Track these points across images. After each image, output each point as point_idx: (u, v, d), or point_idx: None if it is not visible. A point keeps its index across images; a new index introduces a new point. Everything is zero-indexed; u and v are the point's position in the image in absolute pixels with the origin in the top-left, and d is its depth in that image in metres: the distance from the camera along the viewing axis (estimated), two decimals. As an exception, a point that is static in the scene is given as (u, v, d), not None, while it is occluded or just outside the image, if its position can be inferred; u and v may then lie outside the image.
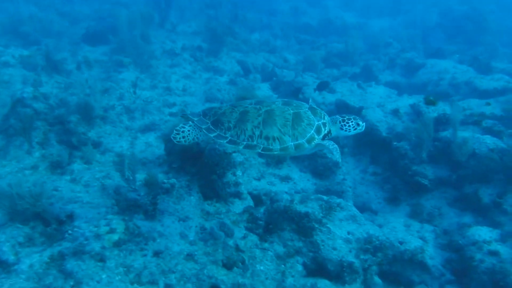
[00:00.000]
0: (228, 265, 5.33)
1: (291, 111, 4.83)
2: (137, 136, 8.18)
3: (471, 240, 6.29)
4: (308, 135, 4.80)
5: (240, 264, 5.36)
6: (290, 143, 4.73)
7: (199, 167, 6.30)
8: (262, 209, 6.42)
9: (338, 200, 6.83)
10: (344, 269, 5.84)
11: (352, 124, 5.19)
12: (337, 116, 5.27)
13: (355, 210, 6.78)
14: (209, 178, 6.18)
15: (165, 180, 6.00)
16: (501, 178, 7.07)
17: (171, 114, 9.00)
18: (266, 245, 5.91)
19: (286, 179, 7.99)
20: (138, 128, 8.55)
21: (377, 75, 14.70)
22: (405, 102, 9.41)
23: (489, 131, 7.93)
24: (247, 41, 16.15)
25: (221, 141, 4.72)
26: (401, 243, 6.47)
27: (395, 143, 8.07)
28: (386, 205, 7.69)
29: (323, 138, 5.06)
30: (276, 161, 8.27)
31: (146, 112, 9.00)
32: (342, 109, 9.26)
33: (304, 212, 6.11)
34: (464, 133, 7.81)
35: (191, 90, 10.83)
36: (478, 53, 15.80)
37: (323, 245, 5.97)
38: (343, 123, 5.18)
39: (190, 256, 5.22)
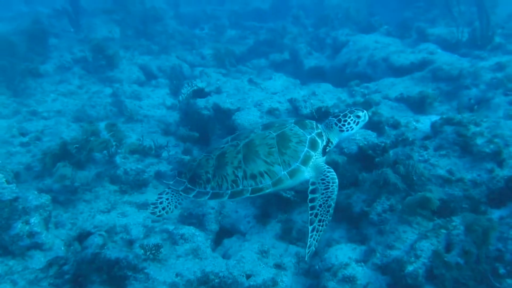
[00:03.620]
0: None
1: (274, 134, 4.27)
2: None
3: (327, 264, 5.45)
4: (302, 154, 4.23)
5: None
6: (283, 173, 4.17)
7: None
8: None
9: (183, 231, 6.07)
10: (161, 325, 5.03)
11: (352, 119, 4.55)
12: (331, 118, 4.62)
13: (200, 241, 6.02)
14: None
15: None
16: (376, 180, 6.18)
17: (22, 144, 8.16)
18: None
19: (145, 205, 7.16)
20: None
21: (302, 60, 13.79)
22: (295, 96, 8.51)
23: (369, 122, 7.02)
24: (159, 42, 15.27)
25: (203, 199, 4.26)
26: (248, 276, 5.64)
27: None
28: (256, 223, 6.84)
29: (324, 152, 4.47)
30: (136, 184, 7.45)
31: (-13, 146, 8.16)
32: (218, 113, 8.42)
33: (114, 259, 5.28)
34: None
35: (67, 109, 9.97)
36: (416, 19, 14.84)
37: (137, 297, 5.16)
38: (340, 124, 4.53)
39: None
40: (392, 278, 4.97)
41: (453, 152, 5.93)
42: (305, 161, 4.22)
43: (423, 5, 18.39)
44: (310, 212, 4.17)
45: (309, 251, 4.08)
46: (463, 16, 15.41)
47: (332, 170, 4.27)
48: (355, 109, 4.59)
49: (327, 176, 4.26)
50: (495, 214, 5.38)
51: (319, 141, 4.36)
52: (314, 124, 4.45)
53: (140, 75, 12.47)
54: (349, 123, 4.54)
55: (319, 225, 4.12)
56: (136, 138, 8.33)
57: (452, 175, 5.65)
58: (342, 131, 4.54)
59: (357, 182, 6.35)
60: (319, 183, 4.23)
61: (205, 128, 8.65)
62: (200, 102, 8.93)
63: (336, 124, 4.53)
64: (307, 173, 4.26)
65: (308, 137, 4.30)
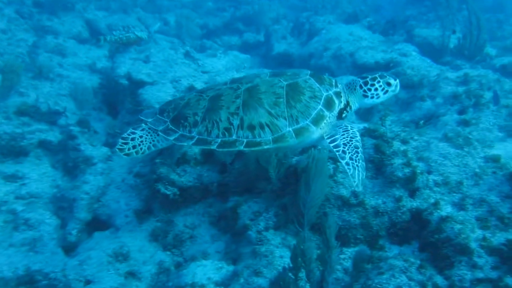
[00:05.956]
0: None
1: (284, 83, 3.87)
2: None
3: (180, 282, 4.76)
4: (314, 112, 3.82)
5: None
6: (287, 129, 3.75)
7: None
8: None
9: (30, 215, 5.43)
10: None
11: (381, 86, 4.09)
12: (356, 79, 4.16)
13: (46, 231, 5.45)
14: None
15: None
16: (275, 188, 5.46)
17: None
18: None
19: (13, 177, 6.43)
20: None
21: (273, 43, 12.97)
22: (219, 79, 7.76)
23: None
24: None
25: (186, 143, 3.83)
26: (87, 282, 4.93)
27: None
28: (134, 219, 6.12)
29: (340, 116, 4.09)
30: (11, 151, 6.70)
31: None
32: (132, 84, 7.68)
33: None
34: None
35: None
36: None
37: None
38: (366, 87, 4.11)
39: None
40: (245, 313, 4.25)
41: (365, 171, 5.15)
42: (316, 121, 3.80)
43: (430, 4, 17.52)
44: (335, 150, 3.75)
45: (354, 180, 3.66)
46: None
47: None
48: (387, 75, 4.17)
49: (343, 123, 3.96)
50: (394, 251, 4.68)
51: (336, 101, 3.95)
52: (334, 81, 4.06)
53: (83, 30, 11.66)
54: (376, 89, 4.10)
55: (351, 160, 3.66)
56: (35, 99, 7.55)
57: (355, 198, 4.89)
58: (366, 96, 4.13)
59: (252, 188, 5.62)
60: (335, 130, 3.89)
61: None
62: (121, 69, 8.15)
63: (361, 87, 4.11)
64: (316, 135, 3.88)
65: (325, 94, 3.89)
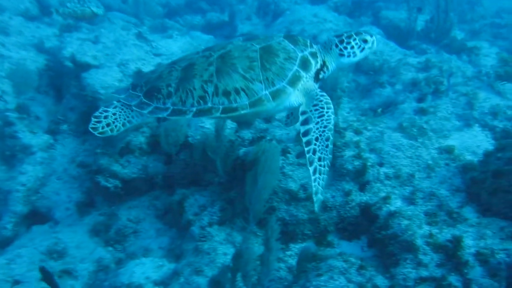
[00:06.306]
0: None
1: (257, 46, 3.80)
2: None
3: (116, 282, 4.55)
4: (290, 73, 3.74)
5: None
6: (264, 92, 3.68)
7: None
8: None
9: None
10: None
11: (357, 43, 4.02)
12: (332, 37, 4.11)
13: None
14: None
15: None
16: (222, 181, 5.27)
17: None
18: None
19: None
20: None
21: (237, 24, 12.66)
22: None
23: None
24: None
25: (161, 115, 3.78)
26: (16, 283, 4.69)
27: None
28: (75, 212, 5.85)
29: (317, 77, 3.94)
30: None
31: None
32: (77, 67, 7.30)
33: None
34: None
35: None
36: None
37: None
38: (342, 46, 4.01)
39: None
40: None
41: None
42: (293, 82, 3.72)
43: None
44: (306, 149, 3.60)
45: (317, 199, 3.45)
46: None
47: (325, 93, 3.78)
48: (363, 32, 4.07)
49: (321, 101, 3.74)
50: (343, 247, 4.58)
51: (313, 61, 3.86)
52: (308, 41, 3.96)
53: (31, 7, 11.02)
54: (352, 47, 4.02)
55: (320, 165, 3.54)
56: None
57: (304, 192, 4.74)
58: (343, 55, 4.03)
59: (198, 180, 5.42)
60: (311, 110, 3.72)
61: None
62: (67, 50, 7.74)
63: (337, 46, 4.01)
64: (293, 98, 3.81)
65: (300, 54, 3.81)
